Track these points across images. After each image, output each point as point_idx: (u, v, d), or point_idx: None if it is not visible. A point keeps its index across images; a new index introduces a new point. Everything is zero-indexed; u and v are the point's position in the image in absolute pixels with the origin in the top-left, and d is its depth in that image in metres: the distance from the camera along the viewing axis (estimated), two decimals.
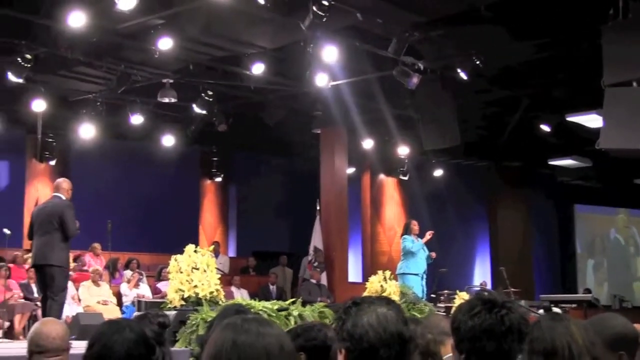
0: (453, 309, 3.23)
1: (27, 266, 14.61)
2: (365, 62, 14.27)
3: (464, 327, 2.67)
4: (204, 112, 15.94)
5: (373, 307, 2.55)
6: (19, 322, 13.30)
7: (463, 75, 13.58)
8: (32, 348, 4.07)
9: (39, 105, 15.16)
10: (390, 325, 2.52)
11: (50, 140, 17.60)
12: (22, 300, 13.69)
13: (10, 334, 12.89)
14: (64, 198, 9.91)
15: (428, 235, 13.45)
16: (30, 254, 14.84)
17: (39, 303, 13.33)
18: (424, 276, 13.49)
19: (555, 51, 13.51)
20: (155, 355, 4.76)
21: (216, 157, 21.03)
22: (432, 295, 14.88)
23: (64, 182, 10.11)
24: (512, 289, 14.69)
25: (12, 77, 13.55)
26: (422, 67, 13.80)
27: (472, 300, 2.74)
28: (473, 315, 2.66)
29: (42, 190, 17.36)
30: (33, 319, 13.04)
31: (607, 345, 3.15)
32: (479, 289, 16.12)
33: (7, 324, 13.05)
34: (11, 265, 14.69)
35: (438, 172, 20.81)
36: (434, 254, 13.53)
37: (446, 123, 14.50)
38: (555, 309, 13.17)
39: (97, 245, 16.28)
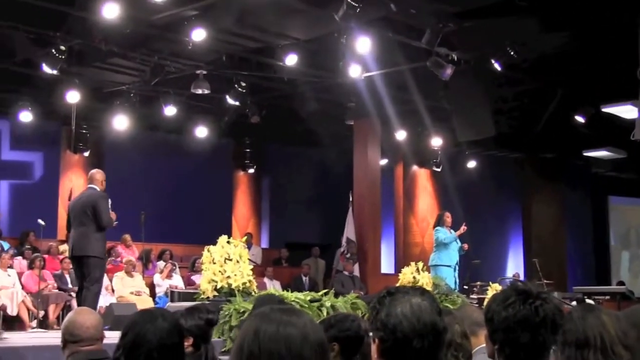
0: (486, 301, 3.18)
1: (61, 257, 14.77)
2: (399, 53, 14.14)
3: (498, 318, 2.66)
4: (237, 103, 15.93)
5: (407, 297, 2.52)
6: (53, 312, 13.43)
7: (497, 66, 13.49)
8: (66, 337, 4.10)
9: (73, 97, 15.24)
10: (425, 316, 2.48)
11: (84, 131, 17.69)
12: (56, 291, 13.80)
13: (44, 324, 13.03)
14: (98, 189, 9.92)
15: (462, 228, 13.37)
16: (64, 245, 15.13)
17: (73, 293, 13.46)
18: (457, 268, 13.44)
19: (590, 41, 13.36)
20: (199, 352, 4.79)
21: (249, 149, 21.03)
22: (465, 287, 14.81)
23: (98, 174, 10.12)
24: (545, 281, 14.60)
25: (46, 68, 13.64)
26: (455, 58, 13.67)
27: (507, 291, 2.72)
28: (507, 305, 2.65)
29: (76, 181, 17.48)
30: (67, 309, 13.15)
31: (637, 330, 3.11)
32: (512, 280, 16.01)
33: (41, 313, 13.17)
34: (46, 255, 14.80)
35: (471, 164, 20.72)
36: (466, 246, 13.46)
37: (480, 114, 14.43)
38: (589, 301, 13.09)
39: (127, 237, 16.38)
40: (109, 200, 9.79)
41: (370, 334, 2.59)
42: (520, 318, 2.61)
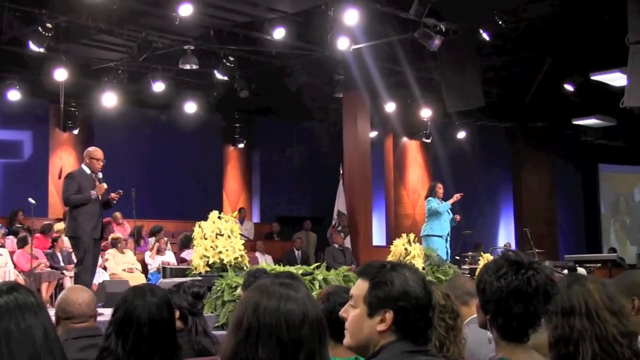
0: (477, 271, 3.19)
1: (54, 235, 14.76)
2: (387, 24, 14.12)
3: (490, 288, 2.66)
4: (226, 78, 15.92)
5: (404, 269, 2.56)
6: (46, 290, 13.41)
7: (485, 36, 13.47)
8: (59, 314, 4.10)
9: (61, 75, 15.15)
10: (428, 287, 2.55)
11: (72, 109, 17.67)
12: (49, 269, 13.78)
13: None
14: (83, 166, 9.80)
15: (456, 197, 13.36)
16: (60, 223, 15.07)
17: (65, 272, 13.50)
18: (448, 238, 13.42)
19: (578, 9, 13.32)
20: (188, 325, 4.78)
21: (239, 124, 21.00)
22: (457, 258, 14.84)
23: (86, 151, 10.01)
24: (537, 250, 14.64)
25: (33, 46, 13.53)
26: (444, 29, 13.68)
27: (498, 261, 2.72)
28: (499, 276, 2.64)
29: (66, 159, 17.45)
30: (60, 287, 13.15)
31: (621, 293, 3.13)
32: (503, 250, 16.08)
33: None
34: (38, 235, 14.79)
35: (461, 134, 20.64)
36: (458, 217, 13.46)
37: (469, 84, 14.38)
38: (580, 269, 13.16)
39: (118, 215, 16.34)
40: (92, 177, 9.61)
41: (352, 313, 2.58)
42: (513, 289, 2.61)
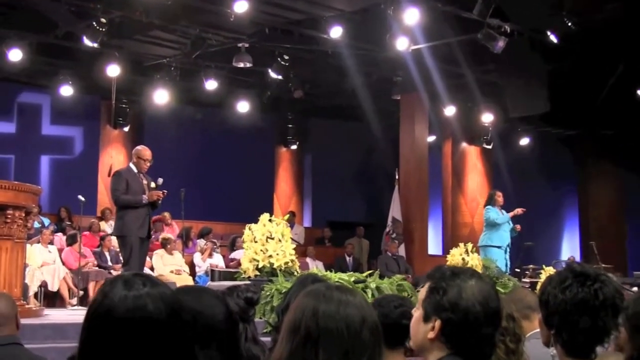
0: (539, 285, 3.11)
1: (102, 234, 14.68)
2: (448, 24, 13.93)
3: (554, 301, 2.58)
4: (280, 77, 15.77)
5: (473, 280, 2.44)
6: (93, 289, 13.29)
7: (553, 38, 13.17)
8: None
9: (113, 71, 15.24)
10: (492, 302, 2.43)
11: (124, 106, 17.79)
12: (96, 268, 13.75)
13: (84, 302, 12.91)
14: (131, 165, 9.85)
15: (517, 210, 12.93)
16: (103, 222, 15.05)
17: (112, 271, 13.39)
18: (508, 249, 13.14)
19: None
20: (239, 332, 4.49)
21: (292, 125, 20.84)
22: (516, 270, 14.45)
23: (134, 150, 10.04)
24: (603, 265, 14.10)
25: (87, 41, 13.66)
26: (508, 30, 13.36)
27: (562, 272, 2.64)
28: (564, 288, 2.57)
29: (116, 157, 17.49)
30: None
31: None
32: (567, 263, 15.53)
33: (81, 292, 13.08)
34: (86, 233, 14.78)
35: (524, 141, 20.30)
36: (518, 227, 13.05)
37: (534, 89, 14.20)
38: None
39: (166, 215, 16.22)
40: (140, 177, 9.62)
41: (416, 313, 2.51)
42: (578, 301, 2.53)
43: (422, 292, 2.51)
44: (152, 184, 9.61)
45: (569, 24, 12.68)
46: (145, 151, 9.77)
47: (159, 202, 9.73)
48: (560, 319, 2.56)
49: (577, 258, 19.40)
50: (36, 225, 13.30)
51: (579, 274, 2.58)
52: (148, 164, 9.69)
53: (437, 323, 2.40)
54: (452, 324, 2.38)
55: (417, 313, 2.50)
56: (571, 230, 22.05)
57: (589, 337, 2.55)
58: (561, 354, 2.59)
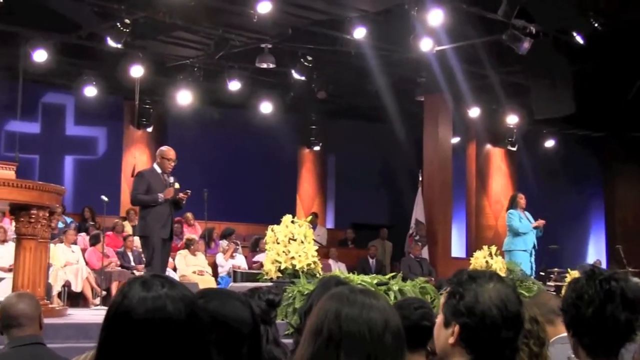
0: (564, 289, 3.04)
1: (125, 234, 14.70)
2: (473, 25, 13.84)
3: (571, 304, 2.61)
4: (303, 78, 15.74)
5: (492, 283, 2.42)
6: (116, 289, 13.28)
7: (579, 39, 13.02)
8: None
9: (136, 71, 15.26)
10: (511, 304, 2.40)
11: (147, 106, 17.79)
12: (119, 268, 13.79)
13: (107, 302, 12.90)
14: (155, 166, 9.84)
15: (539, 222, 12.79)
16: (127, 222, 15.06)
17: (135, 272, 13.39)
18: (533, 252, 12.97)
19: None
20: (261, 334, 4.46)
21: (315, 125, 20.78)
22: (541, 273, 14.29)
23: (158, 150, 10.03)
24: (630, 269, 13.96)
25: (111, 42, 13.71)
26: (534, 31, 13.23)
27: (578, 277, 2.67)
28: (579, 290, 2.60)
29: (139, 157, 17.51)
30: None
31: None
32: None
33: (104, 292, 13.10)
34: (109, 233, 14.79)
35: (549, 143, 20.18)
36: (542, 221, 12.81)
37: (559, 90, 14.04)
38: None
39: (189, 215, 16.21)
40: (163, 177, 9.61)
41: (438, 318, 2.50)
42: (592, 299, 2.55)
43: (443, 297, 2.51)
44: (177, 185, 9.59)
45: (595, 24, 12.54)
46: (169, 151, 9.77)
47: (183, 202, 9.71)
48: (579, 320, 2.57)
49: (603, 261, 19.25)
50: (60, 225, 13.37)
51: (591, 275, 2.61)
52: (172, 164, 9.68)
53: (456, 328, 2.40)
54: (469, 329, 2.38)
55: (439, 318, 2.50)
56: (597, 233, 21.89)
57: (610, 336, 2.54)
58: (584, 356, 2.58)
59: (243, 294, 4.52)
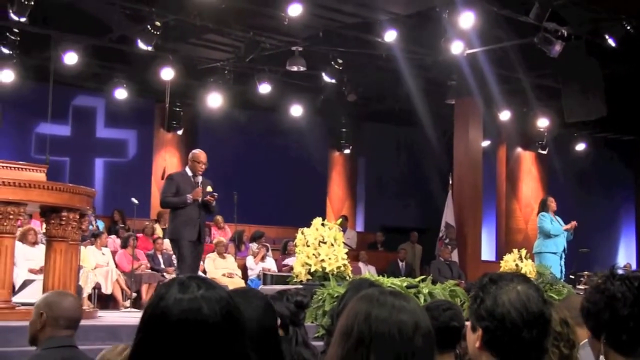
0: None
1: (155, 237, 14.74)
2: (504, 28, 13.80)
3: (593, 303, 2.57)
4: (334, 81, 15.76)
5: (513, 284, 2.41)
6: (146, 292, 13.37)
7: (611, 42, 12.89)
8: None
9: (167, 74, 15.33)
10: (532, 305, 2.39)
11: (177, 109, 17.83)
12: (149, 271, 13.82)
13: (137, 304, 13.01)
14: (186, 169, 9.87)
15: (572, 224, 12.68)
16: (157, 225, 15.09)
17: (165, 274, 13.43)
18: (563, 255, 12.84)
19: None
20: (289, 335, 4.45)
21: (345, 128, 20.73)
22: (571, 277, 14.16)
23: (190, 153, 10.03)
24: None
25: (142, 45, 13.72)
26: (565, 34, 13.20)
27: (600, 280, 2.60)
28: (600, 289, 2.55)
29: (170, 160, 17.54)
30: None
31: None
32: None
33: (134, 294, 13.16)
34: (139, 235, 14.83)
35: (580, 147, 20.08)
36: (574, 223, 12.70)
37: (591, 93, 13.85)
38: None
39: (219, 218, 16.20)
40: (194, 180, 9.62)
41: (467, 323, 2.49)
42: (613, 297, 2.49)
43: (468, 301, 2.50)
44: (209, 187, 9.60)
45: (628, 27, 12.43)
46: (200, 154, 9.80)
47: (213, 205, 9.71)
48: (613, 322, 2.52)
49: (634, 265, 19.09)
50: (90, 227, 13.43)
51: (614, 276, 2.55)
52: (203, 167, 9.69)
53: (480, 332, 2.40)
54: (491, 332, 2.38)
55: (469, 323, 2.51)
56: (628, 237, 21.77)
57: (632, 333, 2.49)
58: (607, 353, 2.56)
59: (271, 297, 4.53)
